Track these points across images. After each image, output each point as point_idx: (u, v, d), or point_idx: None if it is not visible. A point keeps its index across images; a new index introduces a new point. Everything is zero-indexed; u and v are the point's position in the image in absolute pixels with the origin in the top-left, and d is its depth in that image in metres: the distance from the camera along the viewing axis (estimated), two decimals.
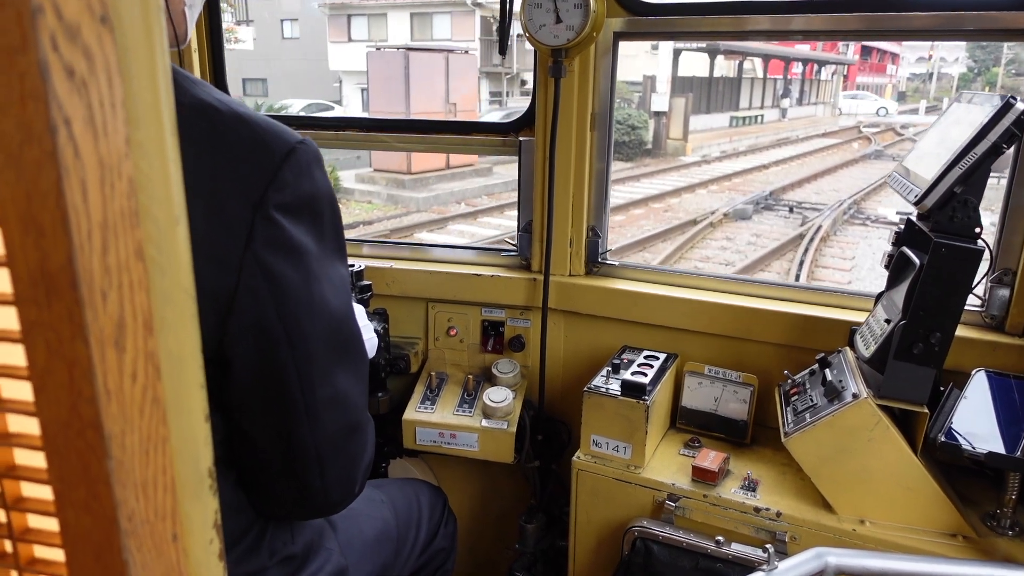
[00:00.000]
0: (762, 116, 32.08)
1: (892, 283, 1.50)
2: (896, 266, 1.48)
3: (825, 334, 1.69)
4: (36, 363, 0.47)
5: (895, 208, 11.43)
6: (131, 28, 0.48)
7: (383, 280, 2.04)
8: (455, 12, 25.54)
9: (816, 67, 40.31)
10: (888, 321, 1.40)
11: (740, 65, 32.13)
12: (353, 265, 1.83)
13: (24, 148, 0.43)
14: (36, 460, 0.52)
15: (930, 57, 50.32)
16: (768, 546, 1.19)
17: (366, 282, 1.84)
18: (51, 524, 0.53)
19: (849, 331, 1.60)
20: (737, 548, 1.49)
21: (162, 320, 0.53)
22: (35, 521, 0.55)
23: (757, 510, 1.49)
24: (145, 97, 0.50)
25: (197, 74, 2.01)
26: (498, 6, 1.82)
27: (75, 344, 0.46)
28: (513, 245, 2.05)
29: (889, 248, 1.52)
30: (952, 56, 51.16)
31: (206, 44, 2.04)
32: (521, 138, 1.94)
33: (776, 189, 15.02)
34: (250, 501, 1.01)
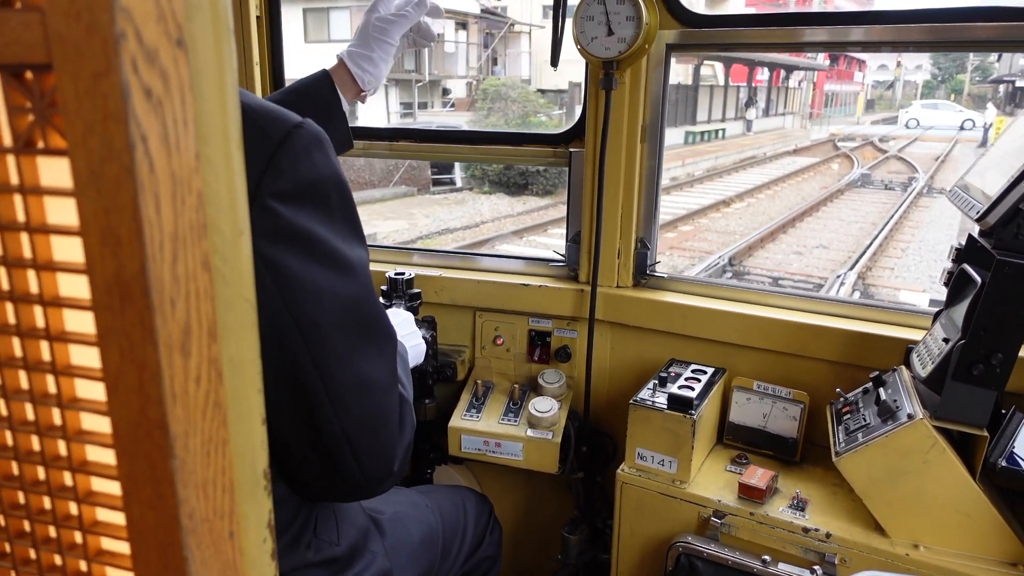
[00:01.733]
0: (723, 131, 28.01)
1: (951, 301, 1.45)
2: (956, 283, 1.43)
3: (880, 352, 1.65)
4: (109, 366, 0.50)
5: (928, 285, 9.08)
6: (203, 50, 0.50)
7: (432, 288, 2.07)
8: (354, 8, 20.88)
9: (784, 73, 36.53)
10: (947, 340, 1.37)
11: (697, 70, 27.30)
12: (403, 273, 1.86)
13: (105, 164, 0.45)
14: (106, 457, 0.55)
15: (898, 64, 48.35)
16: (816, 567, 1.17)
17: (416, 290, 1.87)
18: (118, 518, 0.56)
19: (905, 349, 1.56)
20: (784, 568, 1.46)
21: (225, 327, 0.55)
22: (103, 515, 0.57)
23: (806, 530, 1.46)
24: (214, 115, 0.52)
25: (258, 88, 2.07)
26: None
27: (145, 349, 0.49)
28: (561, 256, 2.06)
29: (949, 265, 1.48)
30: (914, 63, 49.27)
31: (267, 58, 2.11)
32: (571, 149, 1.95)
33: (740, 251, 10.45)
34: (291, 489, 1.01)
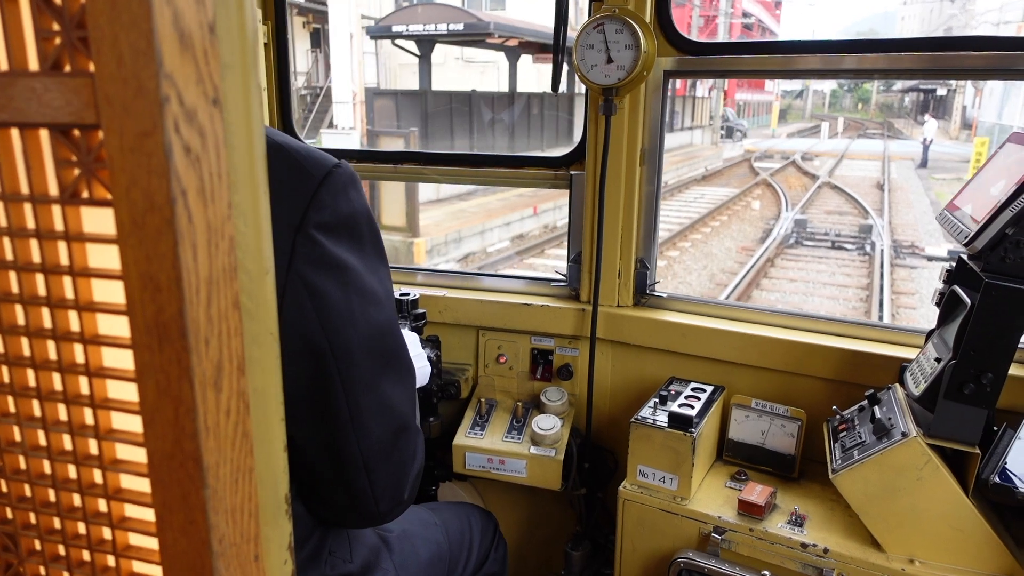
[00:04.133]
0: None
1: (943, 321, 1.49)
2: (947, 304, 1.47)
3: (875, 370, 1.69)
4: (147, 400, 0.53)
5: None
6: (235, 106, 0.54)
7: (436, 308, 2.11)
8: None
9: (690, 81, 32.28)
10: (938, 360, 1.40)
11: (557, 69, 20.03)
12: (408, 293, 1.90)
13: (147, 216, 0.49)
14: (140, 485, 0.59)
15: None
16: None
17: (420, 310, 1.90)
18: (151, 543, 0.60)
19: (900, 368, 1.60)
20: None
21: (251, 360, 0.59)
22: (136, 539, 0.61)
23: (804, 545, 1.49)
24: (244, 164, 0.56)
25: (265, 112, 2.12)
26: None
27: (181, 385, 0.52)
28: (563, 275, 2.09)
29: (940, 285, 1.51)
30: None
31: (274, 84, 2.15)
32: (572, 172, 2.00)
33: None
34: (307, 508, 1.06)
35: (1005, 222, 1.25)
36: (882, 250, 11.25)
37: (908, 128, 45.16)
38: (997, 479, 1.34)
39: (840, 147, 29.92)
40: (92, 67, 0.48)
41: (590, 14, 1.82)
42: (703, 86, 32.75)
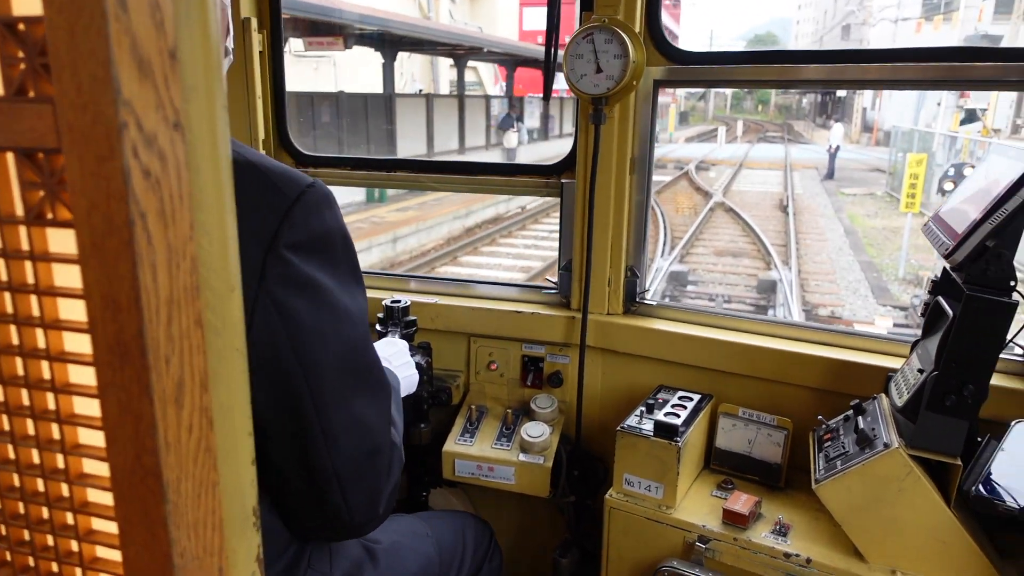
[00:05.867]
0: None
1: (927, 332, 1.50)
2: (931, 315, 1.48)
3: (861, 379, 1.69)
4: (109, 417, 0.55)
5: None
6: (198, 127, 0.55)
7: (428, 315, 2.12)
8: None
9: None
10: (921, 371, 1.41)
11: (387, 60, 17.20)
12: (400, 300, 1.91)
13: (106, 238, 0.50)
14: (106, 499, 0.60)
15: None
16: None
17: (411, 317, 1.92)
18: (117, 555, 0.61)
19: (885, 377, 1.60)
20: None
21: (216, 377, 0.60)
22: (102, 552, 0.62)
23: (787, 555, 1.50)
24: (208, 185, 0.57)
25: (260, 122, 2.14)
26: None
27: (141, 402, 0.53)
28: (554, 283, 2.10)
29: (926, 296, 1.52)
30: None
31: (270, 93, 2.17)
32: (563, 180, 2.01)
33: None
34: (283, 522, 1.07)
35: (985, 234, 1.25)
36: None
37: (808, 131, 44.25)
38: (979, 490, 1.34)
39: (740, 153, 28.04)
40: (53, 92, 0.49)
41: (580, 23, 1.83)
42: None
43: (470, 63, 23.36)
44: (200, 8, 0.54)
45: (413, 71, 24.15)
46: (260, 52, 2.14)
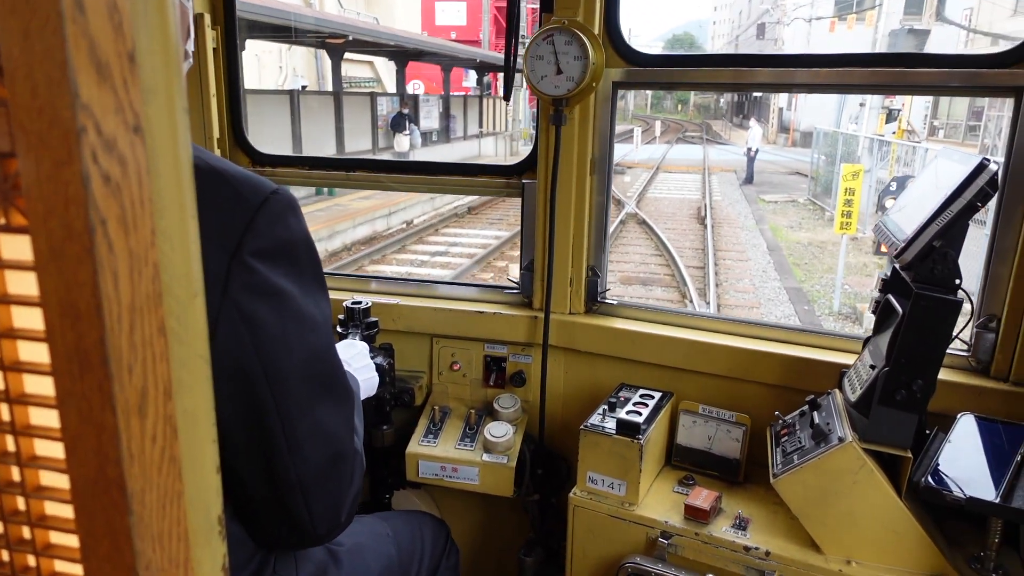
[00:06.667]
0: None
1: (878, 329, 1.54)
2: (882, 313, 1.52)
3: (817, 376, 1.74)
4: (69, 427, 0.53)
5: None
6: (159, 131, 0.54)
7: (390, 316, 2.10)
8: None
9: (474, 73, 24.85)
10: (873, 367, 1.45)
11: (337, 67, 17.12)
12: (361, 302, 1.90)
13: (65, 245, 0.49)
14: (66, 512, 0.58)
15: None
16: None
17: (372, 319, 1.90)
18: (77, 569, 0.59)
19: (839, 373, 1.65)
20: None
21: (180, 384, 0.59)
22: (61, 566, 0.60)
23: (747, 549, 1.53)
24: (170, 190, 0.56)
25: (215, 120, 2.10)
26: None
27: (104, 412, 0.52)
28: (516, 283, 2.11)
29: (876, 295, 1.57)
30: None
31: (224, 90, 2.13)
32: (524, 180, 2.01)
33: None
34: (246, 531, 1.05)
35: (932, 235, 1.30)
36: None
37: (726, 131, 44.50)
38: (928, 481, 1.39)
39: (658, 155, 27.02)
40: (6, 94, 0.48)
41: (540, 25, 1.84)
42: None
43: (364, 57, 21.28)
44: (159, 10, 0.52)
45: (295, 66, 22.72)
46: (214, 49, 2.10)
